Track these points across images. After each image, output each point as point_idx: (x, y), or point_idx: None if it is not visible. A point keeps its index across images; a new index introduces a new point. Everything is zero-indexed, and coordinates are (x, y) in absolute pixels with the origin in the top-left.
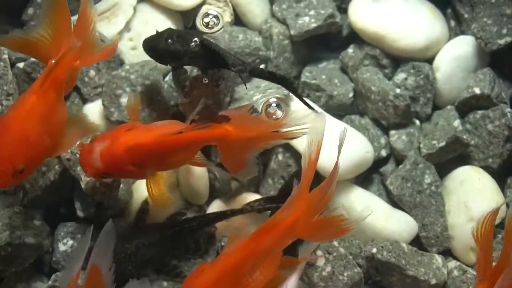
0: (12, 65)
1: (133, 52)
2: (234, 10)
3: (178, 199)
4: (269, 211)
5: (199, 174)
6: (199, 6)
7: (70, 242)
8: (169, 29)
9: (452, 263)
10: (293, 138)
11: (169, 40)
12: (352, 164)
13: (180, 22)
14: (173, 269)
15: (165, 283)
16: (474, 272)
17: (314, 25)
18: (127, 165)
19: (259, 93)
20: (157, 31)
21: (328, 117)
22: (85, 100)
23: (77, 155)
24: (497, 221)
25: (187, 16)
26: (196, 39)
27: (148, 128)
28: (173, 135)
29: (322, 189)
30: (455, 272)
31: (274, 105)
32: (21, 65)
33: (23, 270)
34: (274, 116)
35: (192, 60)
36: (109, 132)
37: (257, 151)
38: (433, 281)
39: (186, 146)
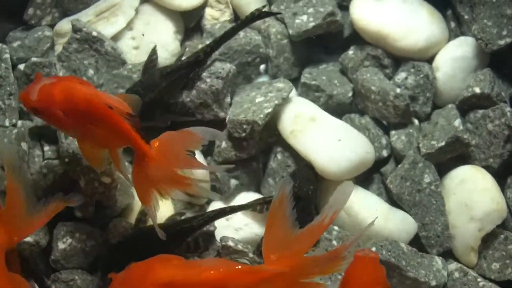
0: (14, 66)
1: (135, 52)
2: (234, 11)
3: (178, 200)
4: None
5: (200, 174)
6: (201, 8)
7: (69, 240)
8: (129, 89)
9: (453, 265)
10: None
11: (140, 97)
12: (352, 165)
13: (181, 22)
14: None
15: None
16: (475, 274)
17: (312, 24)
18: (57, 108)
19: (260, 95)
20: None
21: (328, 117)
22: None
23: (78, 156)
24: (497, 222)
25: (189, 17)
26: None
27: (95, 89)
28: (101, 104)
29: (318, 259)
30: (456, 274)
31: None
32: (22, 66)
33: (22, 268)
34: None
35: (170, 94)
36: (64, 77)
37: (162, 193)
38: (433, 283)
39: (111, 122)
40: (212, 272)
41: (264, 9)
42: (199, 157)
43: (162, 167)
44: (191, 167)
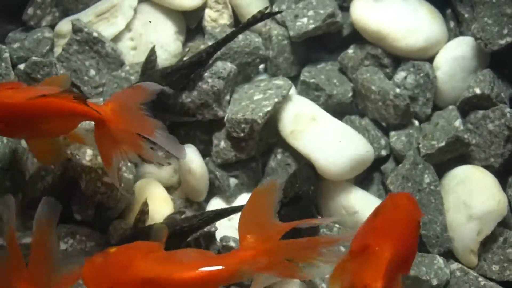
0: (14, 65)
1: (133, 52)
2: (234, 11)
3: (177, 198)
4: None
5: (199, 172)
6: (202, 9)
7: (71, 241)
8: None
9: (454, 265)
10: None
11: None
12: (352, 164)
13: (182, 23)
14: None
15: None
16: (476, 274)
17: (312, 26)
18: None
19: (259, 93)
20: None
21: (328, 117)
22: None
23: (77, 157)
24: (498, 222)
25: (190, 17)
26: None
27: (25, 90)
28: (41, 100)
29: (293, 244)
30: (457, 273)
31: None
32: (22, 66)
33: None
34: None
35: (169, 95)
36: None
37: (122, 156)
38: (435, 282)
39: (57, 114)
40: (194, 270)
41: (266, 11)
42: (198, 157)
43: (121, 126)
44: (148, 127)
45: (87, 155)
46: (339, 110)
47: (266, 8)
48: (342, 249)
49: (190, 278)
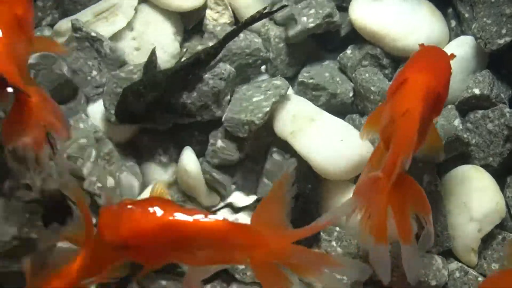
0: None
1: (136, 53)
2: (234, 13)
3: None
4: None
5: (195, 174)
6: (202, 9)
7: None
8: (126, 88)
9: (454, 264)
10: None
11: (141, 97)
12: (352, 164)
13: (180, 24)
14: (173, 268)
15: (163, 282)
16: (476, 273)
17: (312, 24)
18: None
19: (259, 94)
20: (120, 96)
21: (328, 116)
22: (87, 100)
23: (79, 161)
24: (496, 222)
25: (188, 19)
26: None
27: None
28: None
29: (305, 252)
30: (457, 273)
31: None
32: None
33: None
34: None
35: (171, 95)
36: None
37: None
38: (433, 283)
39: None
40: (217, 220)
41: (265, 11)
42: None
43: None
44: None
45: (85, 167)
46: (340, 110)
47: (265, 8)
48: (338, 277)
49: (214, 225)
